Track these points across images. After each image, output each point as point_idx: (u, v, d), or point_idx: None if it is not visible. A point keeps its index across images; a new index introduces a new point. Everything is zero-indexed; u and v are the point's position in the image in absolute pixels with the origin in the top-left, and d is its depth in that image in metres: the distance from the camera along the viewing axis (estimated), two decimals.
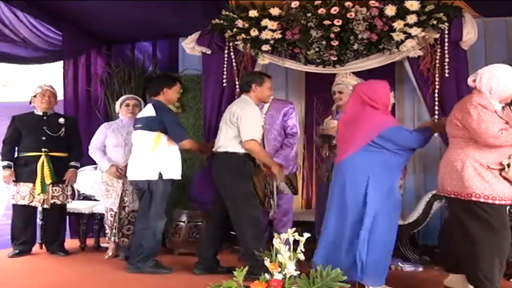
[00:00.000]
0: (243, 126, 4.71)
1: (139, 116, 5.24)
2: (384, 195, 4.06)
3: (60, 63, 7.44)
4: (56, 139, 5.81)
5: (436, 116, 5.50)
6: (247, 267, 3.32)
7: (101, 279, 4.75)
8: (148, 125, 5.03)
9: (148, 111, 5.10)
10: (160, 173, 4.97)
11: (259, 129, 4.87)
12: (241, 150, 4.77)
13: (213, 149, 4.97)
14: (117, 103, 5.95)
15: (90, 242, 6.25)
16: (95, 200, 6.19)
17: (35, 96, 5.87)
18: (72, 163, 5.91)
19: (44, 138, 5.75)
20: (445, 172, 3.90)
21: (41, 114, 5.85)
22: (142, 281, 4.67)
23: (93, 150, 5.77)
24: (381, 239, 4.05)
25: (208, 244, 5.01)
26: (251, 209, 4.75)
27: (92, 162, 6.21)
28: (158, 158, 4.99)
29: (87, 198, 6.61)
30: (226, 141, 4.80)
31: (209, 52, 6.26)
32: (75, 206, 6.15)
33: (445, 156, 3.97)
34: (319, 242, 4.27)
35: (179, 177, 5.17)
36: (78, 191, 6.62)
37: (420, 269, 5.15)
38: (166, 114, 5.07)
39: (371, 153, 4.08)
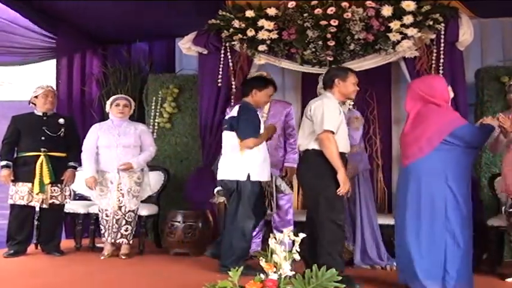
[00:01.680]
0: (315, 117, 4.38)
1: (227, 116, 5.27)
2: (465, 198, 3.99)
3: (55, 63, 7.45)
4: (55, 139, 5.78)
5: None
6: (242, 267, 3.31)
7: (96, 280, 4.72)
8: (231, 124, 4.99)
9: (234, 111, 5.06)
10: (248, 174, 4.86)
11: (336, 120, 4.39)
12: (318, 147, 4.44)
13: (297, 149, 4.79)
14: (108, 103, 5.93)
15: (85, 242, 6.22)
16: (91, 200, 6.17)
17: (36, 97, 5.83)
18: (71, 163, 5.88)
19: (43, 138, 5.73)
20: None
21: (41, 114, 5.83)
22: (137, 281, 4.66)
23: (85, 153, 5.74)
24: (466, 245, 4.00)
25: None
26: (336, 213, 4.38)
27: None
28: (247, 159, 4.87)
29: (82, 198, 6.58)
30: (303, 139, 4.53)
31: (205, 52, 6.27)
32: (70, 206, 6.12)
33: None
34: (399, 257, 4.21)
35: (266, 179, 5.04)
36: (74, 191, 6.59)
37: None
38: (244, 113, 4.94)
39: (445, 152, 3.96)
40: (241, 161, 4.88)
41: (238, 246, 4.82)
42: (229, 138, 5.00)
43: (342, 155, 4.42)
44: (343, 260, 4.52)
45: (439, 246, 3.98)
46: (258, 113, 5.08)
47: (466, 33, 5.53)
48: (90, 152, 5.72)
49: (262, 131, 4.95)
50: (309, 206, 4.65)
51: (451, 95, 4.21)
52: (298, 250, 3.33)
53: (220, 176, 5.08)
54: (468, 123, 4.14)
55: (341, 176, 4.30)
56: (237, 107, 5.06)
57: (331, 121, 4.32)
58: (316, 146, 4.41)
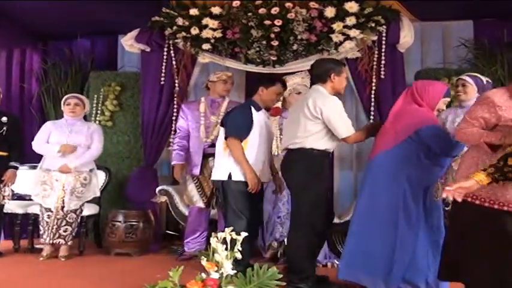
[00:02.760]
0: (336, 123, 4.23)
1: None
2: (416, 201, 3.95)
3: None
4: None
5: (372, 117, 5.62)
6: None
7: (33, 282, 4.60)
8: (223, 121, 4.83)
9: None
10: (230, 173, 4.64)
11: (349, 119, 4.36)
12: (319, 147, 4.30)
13: (285, 146, 4.56)
14: (62, 102, 5.86)
15: (24, 243, 6.05)
16: (30, 199, 6.01)
17: None
18: (12, 163, 5.72)
19: None
20: None
21: None
22: (75, 283, 4.57)
23: (37, 145, 5.62)
24: (413, 248, 3.98)
25: None
26: (317, 217, 4.30)
27: (29, 161, 6.06)
28: (229, 157, 4.66)
29: (21, 198, 6.41)
30: (303, 137, 4.31)
31: (148, 50, 6.22)
32: (8, 206, 5.94)
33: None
34: (346, 250, 4.16)
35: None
36: (12, 191, 6.41)
37: None
38: (234, 110, 4.79)
39: (406, 151, 3.92)
40: (224, 160, 4.73)
41: None
42: (220, 134, 4.86)
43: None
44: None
45: (389, 246, 3.96)
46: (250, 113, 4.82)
47: (407, 35, 5.65)
48: (42, 143, 5.62)
49: (260, 133, 4.72)
50: (292, 205, 4.50)
51: (441, 106, 4.12)
52: (240, 249, 3.33)
53: (212, 176, 4.97)
54: (438, 127, 4.06)
55: None
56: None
57: (349, 122, 4.30)
58: (315, 146, 4.30)
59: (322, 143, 4.31)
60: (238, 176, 4.63)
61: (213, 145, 5.49)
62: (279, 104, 5.32)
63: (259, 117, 4.76)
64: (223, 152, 4.74)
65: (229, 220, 4.64)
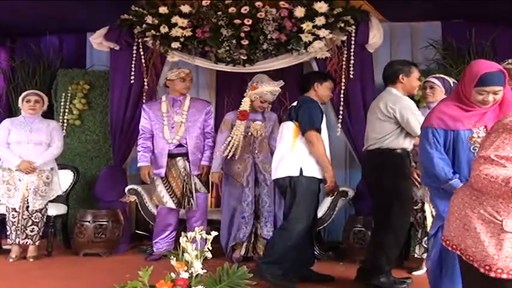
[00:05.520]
0: (410, 122, 4.16)
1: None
2: None
3: None
4: None
5: (341, 117, 5.67)
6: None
7: (6, 283, 4.56)
8: (290, 114, 4.58)
9: (294, 103, 4.69)
10: (301, 169, 4.41)
11: None
12: (397, 146, 4.27)
13: (365, 147, 4.46)
14: (20, 99, 5.75)
15: None
16: None
17: None
18: None
19: None
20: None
21: None
22: (44, 284, 4.54)
23: None
24: None
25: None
26: (403, 217, 4.31)
27: None
28: (299, 152, 4.44)
29: None
30: (378, 138, 4.27)
31: (117, 48, 6.17)
32: None
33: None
34: None
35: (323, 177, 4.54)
36: None
37: None
38: (304, 104, 4.53)
39: None
40: (292, 154, 4.49)
41: (279, 249, 4.40)
42: (283, 129, 4.65)
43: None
44: None
45: None
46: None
47: (376, 36, 5.71)
48: (3, 145, 5.52)
49: (325, 128, 4.60)
50: (376, 206, 4.44)
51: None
52: (210, 248, 3.32)
53: (272, 176, 4.70)
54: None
55: None
56: (294, 102, 4.72)
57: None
58: (397, 146, 4.28)
59: (399, 142, 4.28)
60: (310, 172, 4.44)
61: (180, 145, 5.49)
62: (246, 108, 5.27)
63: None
64: (290, 149, 4.50)
65: (289, 221, 4.44)
